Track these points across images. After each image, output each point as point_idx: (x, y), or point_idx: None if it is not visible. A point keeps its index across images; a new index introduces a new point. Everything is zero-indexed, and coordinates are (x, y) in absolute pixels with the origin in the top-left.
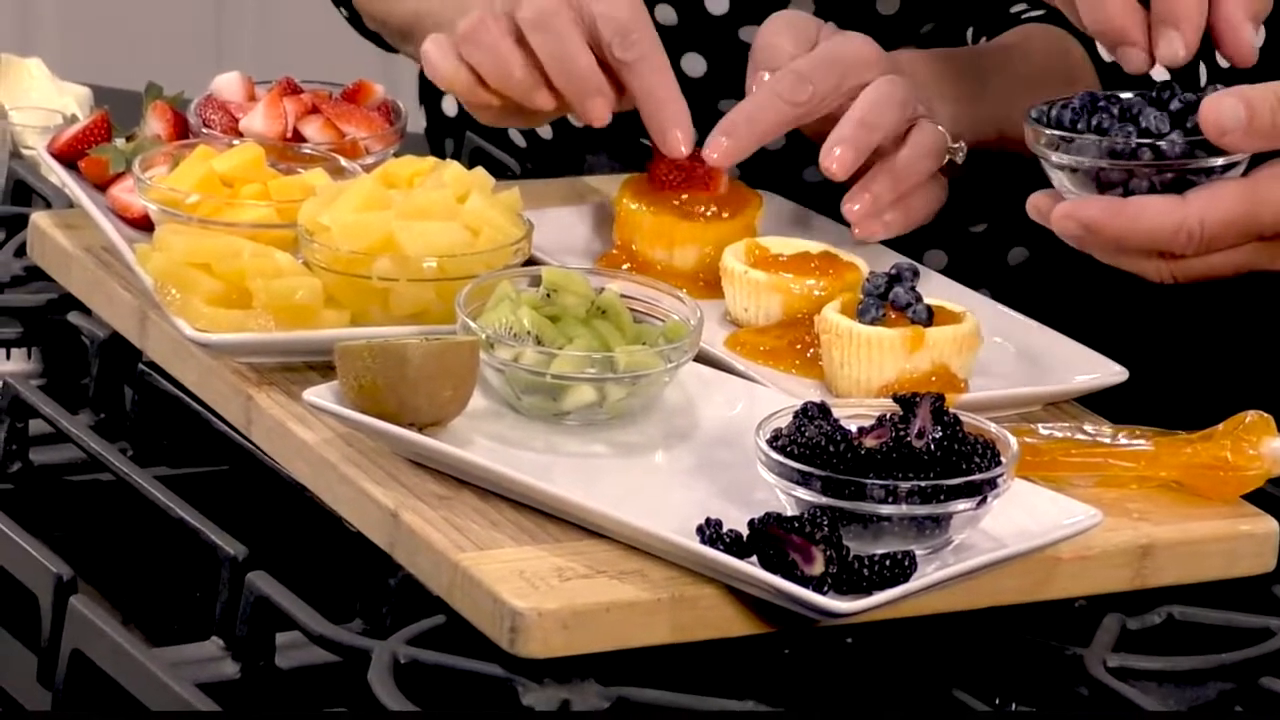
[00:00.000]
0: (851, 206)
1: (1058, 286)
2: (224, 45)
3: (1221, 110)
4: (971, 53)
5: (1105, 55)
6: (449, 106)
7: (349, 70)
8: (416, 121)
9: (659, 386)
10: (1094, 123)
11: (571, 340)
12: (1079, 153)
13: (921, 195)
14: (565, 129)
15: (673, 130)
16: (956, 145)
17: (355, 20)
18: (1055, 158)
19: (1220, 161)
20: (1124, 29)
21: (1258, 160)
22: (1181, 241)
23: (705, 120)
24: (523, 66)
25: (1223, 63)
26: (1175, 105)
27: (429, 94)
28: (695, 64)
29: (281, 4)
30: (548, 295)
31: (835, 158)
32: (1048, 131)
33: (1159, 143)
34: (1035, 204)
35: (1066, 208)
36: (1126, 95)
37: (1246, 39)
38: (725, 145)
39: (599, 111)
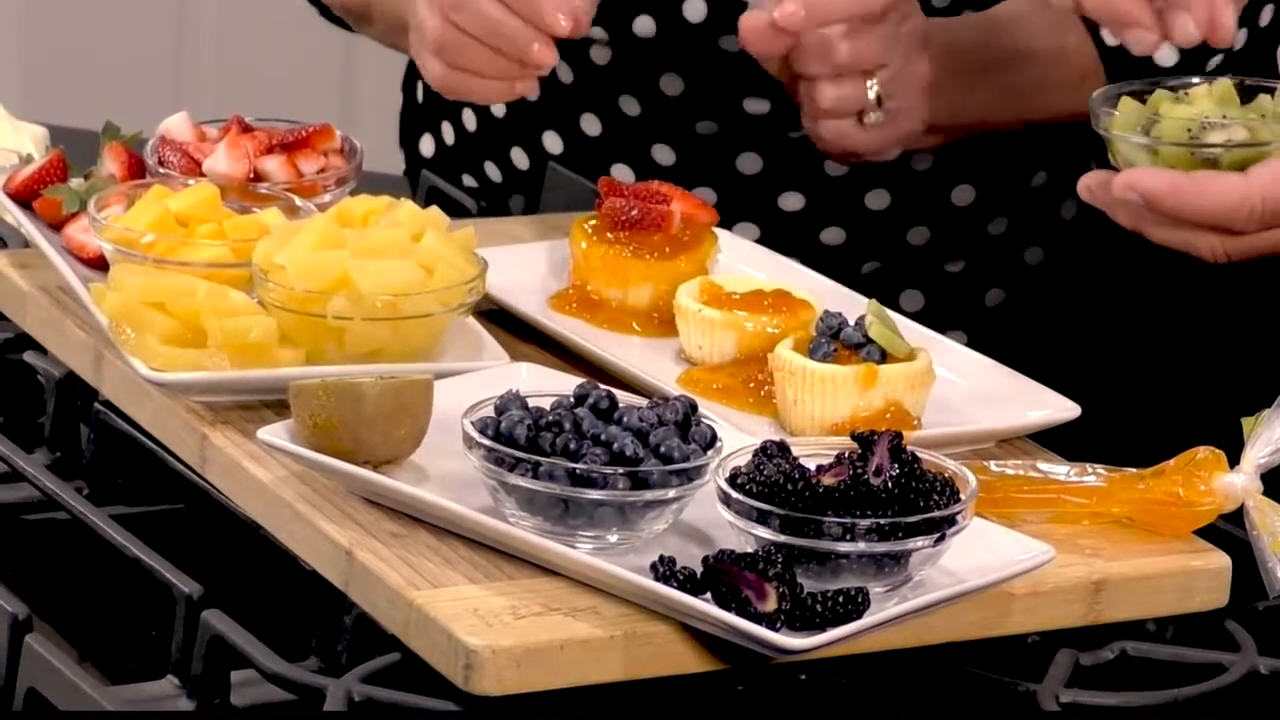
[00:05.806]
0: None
1: (1035, 326)
2: (183, 85)
3: None
4: (979, 42)
5: (1109, 40)
6: (426, 148)
7: (308, 109)
8: (395, 163)
9: None
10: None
11: None
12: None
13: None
14: (512, 171)
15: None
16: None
17: (325, 11)
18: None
19: None
20: (1129, 13)
21: None
22: (1242, 217)
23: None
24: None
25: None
26: None
27: (408, 136)
28: (673, 83)
29: (241, 44)
30: None
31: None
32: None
33: None
34: (1086, 183)
35: (1128, 177)
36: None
37: (1228, 21)
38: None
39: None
